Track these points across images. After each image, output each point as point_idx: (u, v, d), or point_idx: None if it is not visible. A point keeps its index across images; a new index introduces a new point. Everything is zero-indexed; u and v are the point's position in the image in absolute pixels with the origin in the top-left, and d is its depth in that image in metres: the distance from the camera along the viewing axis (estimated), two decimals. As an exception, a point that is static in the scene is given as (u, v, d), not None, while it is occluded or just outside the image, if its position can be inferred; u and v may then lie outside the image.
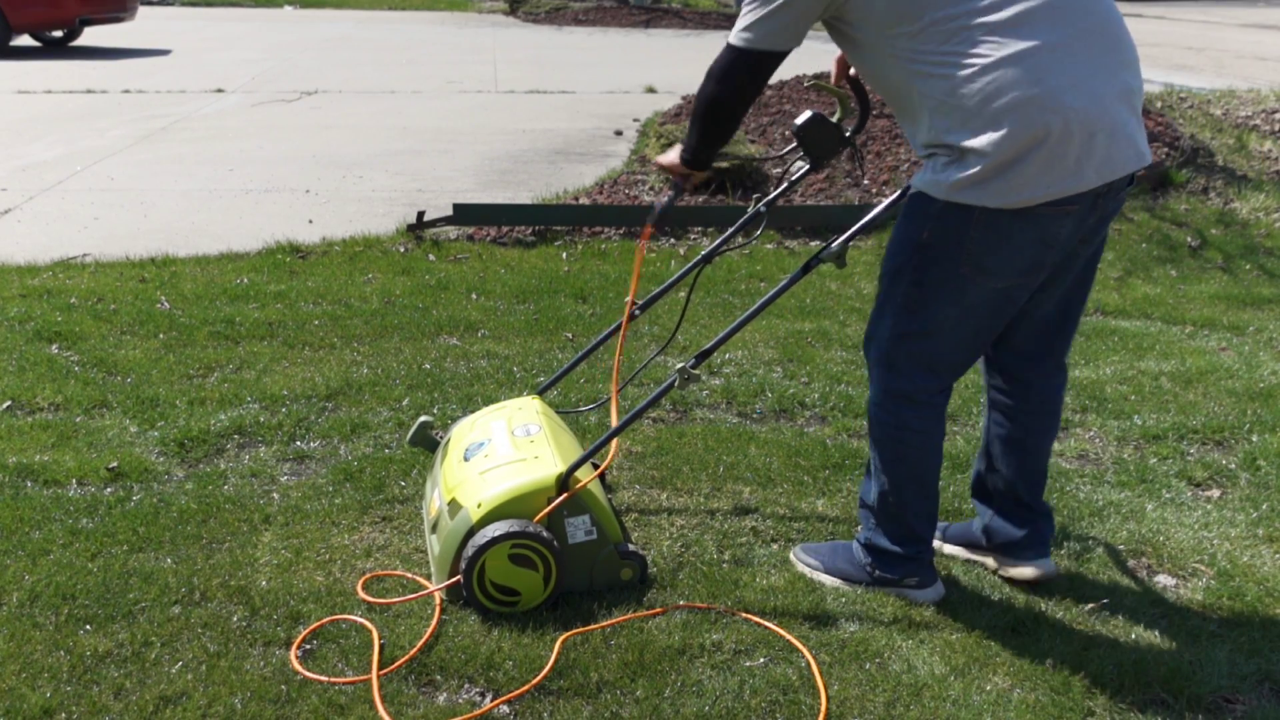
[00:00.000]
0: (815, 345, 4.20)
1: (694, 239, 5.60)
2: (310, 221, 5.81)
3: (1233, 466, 3.28)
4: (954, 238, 2.23)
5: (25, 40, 13.62)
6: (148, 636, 2.33)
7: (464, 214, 5.57)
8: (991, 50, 2.10)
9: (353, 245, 5.35)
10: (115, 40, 14.46)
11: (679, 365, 2.47)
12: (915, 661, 2.32)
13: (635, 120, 8.71)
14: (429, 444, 3.00)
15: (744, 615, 2.46)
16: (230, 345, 4.05)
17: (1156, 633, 2.44)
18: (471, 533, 2.44)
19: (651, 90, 10.50)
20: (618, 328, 2.98)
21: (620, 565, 2.54)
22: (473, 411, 3.07)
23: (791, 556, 2.70)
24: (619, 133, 8.27)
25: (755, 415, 3.59)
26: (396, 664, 2.26)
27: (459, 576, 2.42)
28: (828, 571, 2.61)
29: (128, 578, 2.54)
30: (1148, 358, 4.17)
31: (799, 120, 2.64)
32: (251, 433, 3.35)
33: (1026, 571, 2.57)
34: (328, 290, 4.69)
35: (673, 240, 5.57)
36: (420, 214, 5.53)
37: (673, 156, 2.60)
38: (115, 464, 3.09)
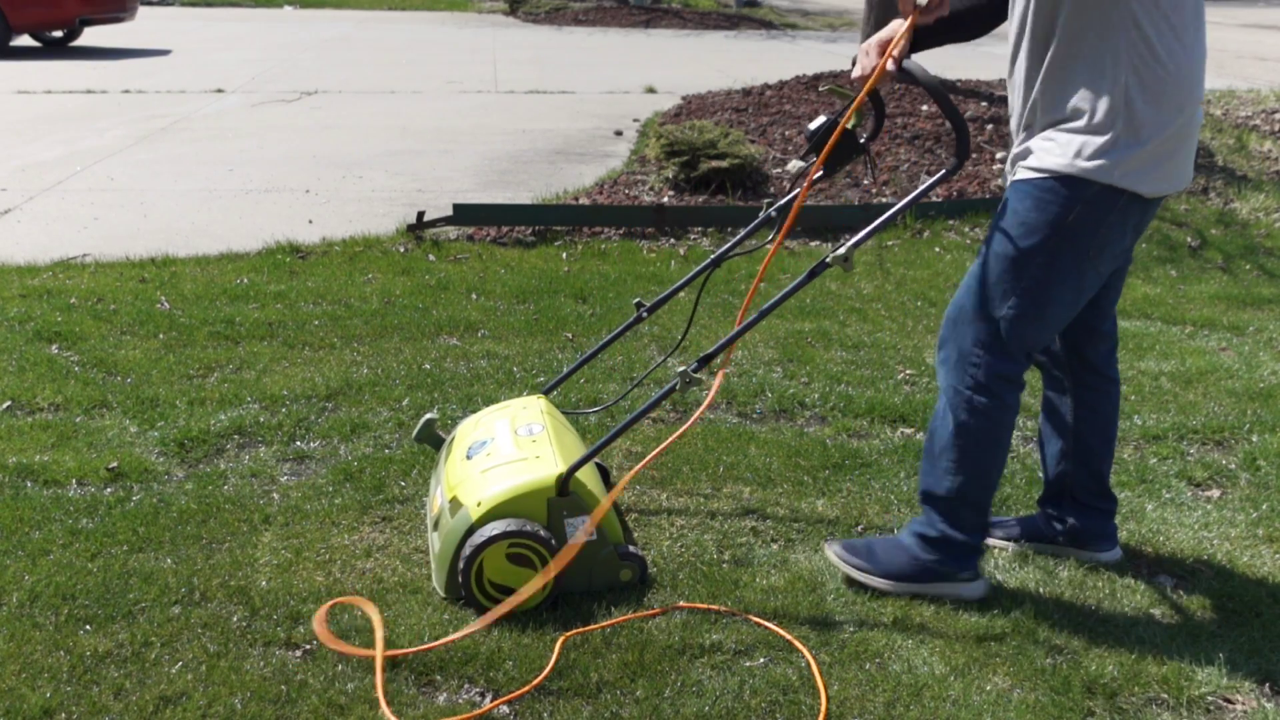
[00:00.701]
0: (815, 345, 4.20)
1: (694, 239, 5.61)
2: (310, 221, 5.81)
3: (1233, 466, 3.28)
4: (1096, 221, 2.25)
5: (25, 40, 13.62)
6: (148, 636, 2.33)
7: (464, 214, 5.58)
8: (1194, 30, 2.13)
9: (353, 245, 5.36)
10: (115, 40, 14.46)
11: (680, 369, 2.46)
12: (915, 661, 2.32)
13: (635, 120, 8.71)
14: (434, 441, 2.99)
15: (748, 617, 2.45)
16: (230, 345, 4.05)
17: (1156, 633, 2.44)
18: (471, 531, 2.44)
19: (651, 90, 10.50)
20: (625, 328, 2.99)
21: (620, 566, 2.53)
22: (475, 410, 3.07)
23: (832, 556, 2.62)
24: (619, 133, 8.27)
25: (755, 415, 3.59)
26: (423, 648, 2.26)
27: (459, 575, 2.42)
28: (883, 575, 2.54)
29: (128, 578, 2.54)
30: (1148, 358, 4.17)
31: (813, 125, 2.65)
32: (251, 433, 3.35)
33: (1116, 554, 2.73)
34: (328, 290, 4.69)
35: (673, 240, 5.57)
36: (420, 214, 5.53)
37: None
38: (115, 464, 3.09)
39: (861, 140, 2.62)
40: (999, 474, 2.51)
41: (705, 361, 2.48)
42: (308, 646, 2.33)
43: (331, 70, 11.96)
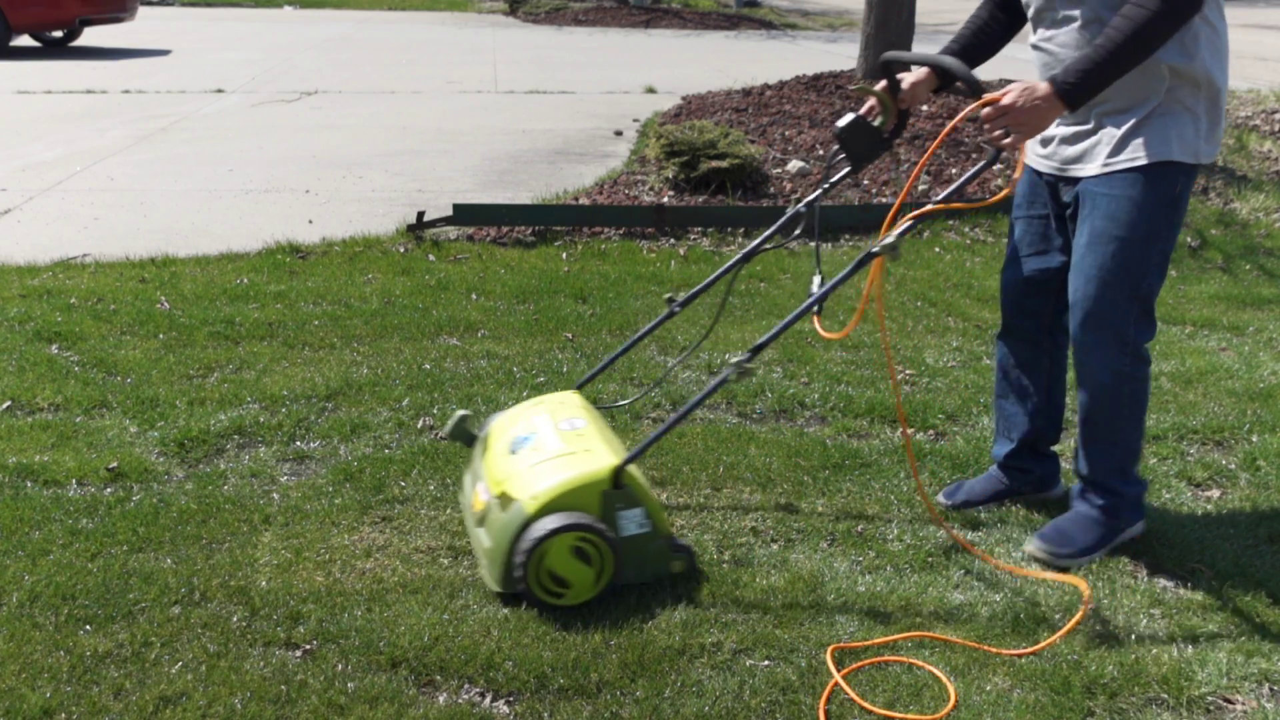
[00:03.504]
0: (815, 345, 4.20)
1: (694, 239, 5.60)
2: (310, 222, 5.81)
3: (1233, 466, 3.28)
4: (1188, 193, 2.54)
5: (25, 40, 13.62)
6: (148, 636, 2.33)
7: (464, 214, 5.58)
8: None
9: (353, 245, 5.36)
10: (115, 40, 14.46)
11: (733, 359, 2.50)
12: (915, 661, 2.32)
13: (635, 120, 8.71)
14: (466, 438, 2.97)
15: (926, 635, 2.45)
16: (230, 345, 4.05)
17: (1156, 633, 2.44)
18: (527, 524, 2.44)
19: (651, 90, 10.50)
20: (658, 323, 3.03)
21: (671, 558, 2.57)
22: (487, 410, 3.07)
23: (1042, 556, 2.72)
24: (619, 133, 8.27)
25: (755, 415, 3.59)
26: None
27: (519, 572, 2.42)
28: (1085, 552, 2.73)
29: (128, 578, 2.54)
30: (1148, 358, 4.16)
31: (841, 123, 2.71)
32: (251, 433, 3.35)
33: (1061, 489, 3.03)
34: (328, 290, 4.69)
35: (673, 240, 5.57)
36: (420, 214, 5.53)
37: (1036, 90, 2.36)
38: (115, 464, 3.09)
39: (886, 137, 2.72)
40: None
41: (756, 351, 2.51)
42: (308, 646, 2.33)
43: (331, 70, 11.96)
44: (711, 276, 2.98)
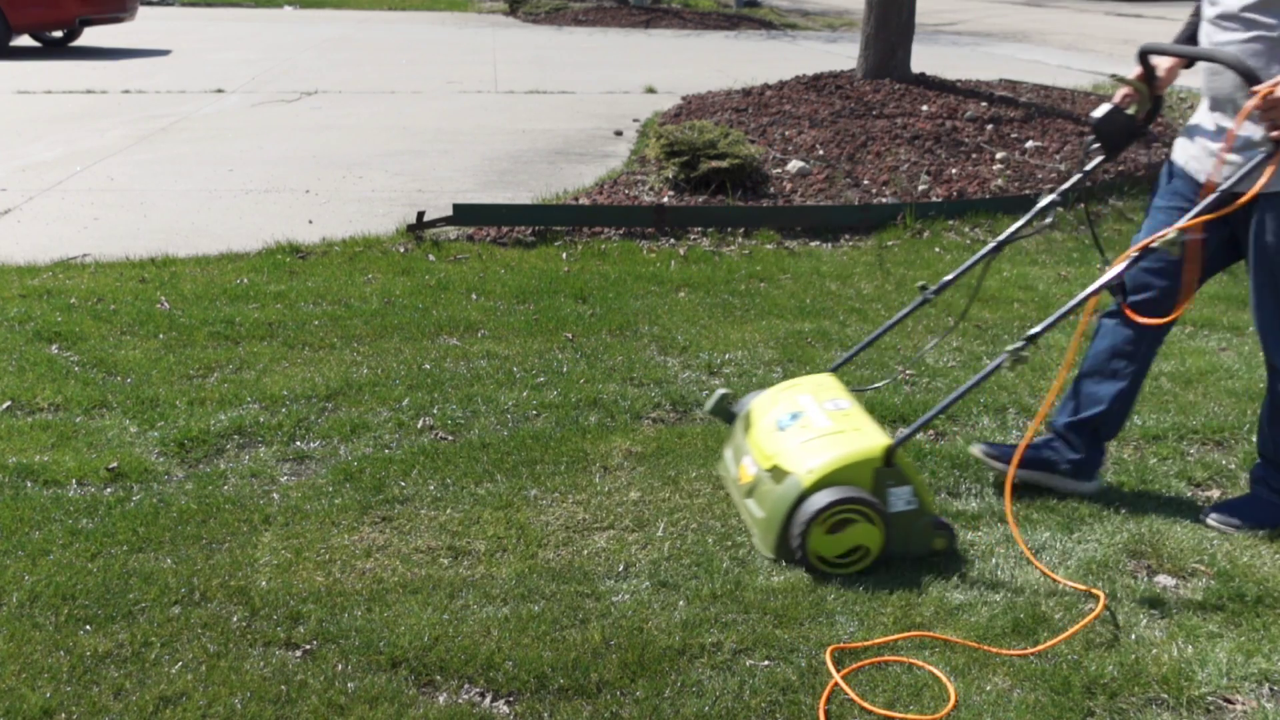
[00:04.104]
0: (815, 345, 4.20)
1: (694, 239, 5.60)
2: (310, 222, 5.81)
3: (1232, 467, 3.28)
4: None
5: (25, 40, 13.61)
6: (148, 637, 2.33)
7: (464, 214, 5.58)
8: None
9: (352, 245, 5.36)
10: (115, 40, 14.46)
11: (1010, 347, 2.60)
12: (915, 661, 2.32)
13: (635, 120, 8.71)
14: (727, 416, 3.14)
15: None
16: (230, 345, 4.05)
17: (1156, 633, 2.44)
18: (803, 497, 2.59)
19: (651, 90, 10.50)
20: (910, 310, 3.17)
21: (934, 535, 2.68)
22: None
23: (1218, 526, 2.90)
24: (619, 133, 8.27)
25: (755, 415, 3.59)
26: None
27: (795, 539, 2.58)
28: (1259, 527, 2.88)
29: (128, 578, 2.54)
30: (1148, 358, 4.16)
31: (1096, 113, 2.88)
32: (251, 433, 3.35)
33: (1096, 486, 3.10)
34: (328, 290, 4.69)
35: (673, 240, 5.57)
36: (420, 214, 5.53)
37: None
38: (115, 464, 3.09)
39: (1139, 125, 2.87)
40: None
41: (1032, 339, 2.62)
42: (308, 646, 2.33)
43: (331, 70, 11.96)
44: (963, 266, 3.12)
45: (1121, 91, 2.96)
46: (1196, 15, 2.93)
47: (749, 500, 2.81)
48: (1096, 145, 2.93)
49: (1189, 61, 2.91)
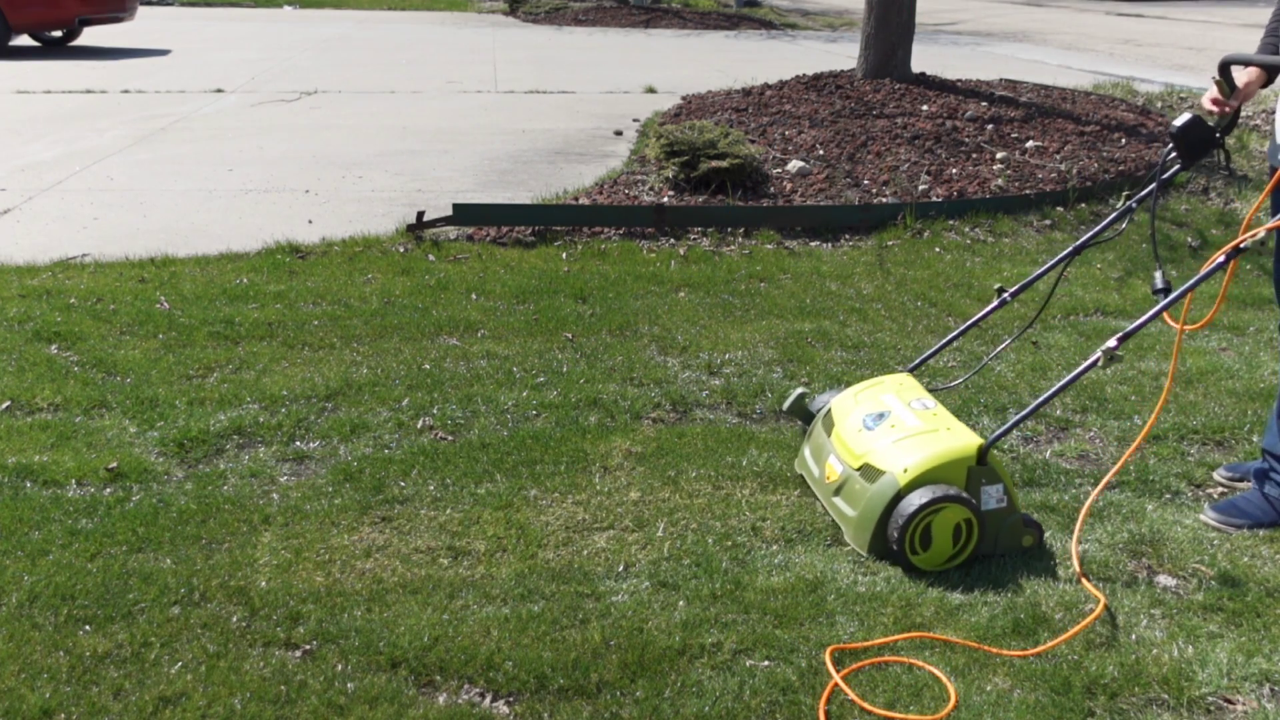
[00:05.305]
0: (815, 345, 4.20)
1: (694, 239, 5.60)
2: (310, 221, 5.81)
3: (1233, 466, 3.28)
4: None
5: (25, 40, 13.61)
6: (147, 637, 2.33)
7: (464, 214, 5.57)
8: None
9: (352, 245, 5.35)
10: (115, 40, 14.45)
11: (1103, 346, 2.64)
12: (915, 661, 2.31)
13: (635, 120, 8.71)
14: (804, 414, 3.23)
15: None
16: (230, 345, 4.04)
17: (1156, 633, 2.44)
18: (899, 496, 2.64)
19: (651, 90, 10.49)
20: (988, 312, 3.23)
21: (1023, 532, 2.72)
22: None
23: (1212, 522, 2.93)
24: (619, 133, 8.27)
25: (755, 415, 3.59)
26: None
27: (894, 535, 2.61)
28: (1258, 525, 2.91)
29: (127, 578, 2.54)
30: (1148, 358, 4.17)
31: (1178, 122, 2.91)
32: (251, 433, 3.34)
33: None
34: (327, 290, 4.68)
35: (672, 240, 5.57)
36: (420, 214, 5.52)
37: None
38: (115, 464, 3.09)
39: (1218, 135, 2.90)
40: None
41: (1125, 338, 2.65)
42: (308, 646, 2.33)
43: (331, 70, 11.96)
44: (1042, 269, 3.22)
45: (1209, 98, 2.90)
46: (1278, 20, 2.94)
47: (837, 498, 2.84)
48: (1174, 154, 2.94)
49: (1271, 73, 2.90)
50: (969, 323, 3.27)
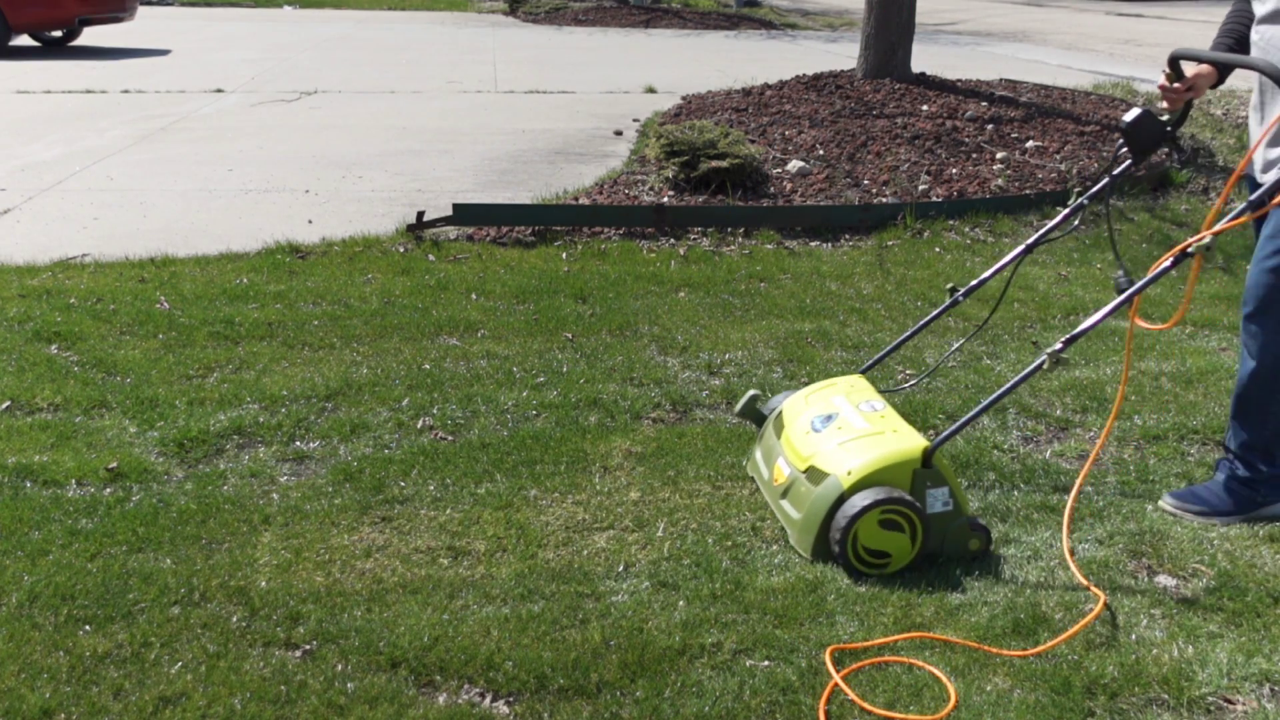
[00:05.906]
0: (815, 345, 4.20)
1: (694, 239, 5.60)
2: (310, 221, 5.81)
3: (1233, 466, 3.28)
4: None
5: (25, 40, 13.61)
6: (147, 637, 2.33)
7: (464, 214, 5.57)
8: None
9: (352, 245, 5.35)
10: (115, 40, 14.45)
11: (1049, 350, 2.61)
12: (915, 661, 2.32)
13: (635, 120, 8.71)
14: (756, 417, 3.17)
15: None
16: (230, 345, 4.04)
17: (1156, 633, 2.44)
18: (842, 499, 2.62)
19: (651, 90, 10.50)
20: (940, 312, 3.24)
21: (970, 536, 2.69)
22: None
23: (1169, 508, 2.97)
24: (619, 133, 8.27)
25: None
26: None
27: (836, 538, 2.59)
28: (1218, 514, 2.93)
29: (127, 578, 2.54)
30: (1148, 358, 4.17)
31: (1127, 117, 2.89)
32: (251, 433, 3.34)
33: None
34: (327, 290, 4.68)
35: (673, 240, 5.57)
36: (420, 214, 5.53)
37: None
38: (115, 464, 3.09)
39: (1169, 130, 2.89)
40: None
41: (1070, 342, 2.63)
42: (307, 646, 2.33)
43: (331, 70, 11.96)
44: (993, 269, 3.19)
45: (1161, 93, 2.91)
46: (1237, 20, 2.91)
47: (784, 501, 2.82)
48: (1125, 149, 2.93)
49: (1222, 70, 2.89)
50: (921, 323, 3.26)
